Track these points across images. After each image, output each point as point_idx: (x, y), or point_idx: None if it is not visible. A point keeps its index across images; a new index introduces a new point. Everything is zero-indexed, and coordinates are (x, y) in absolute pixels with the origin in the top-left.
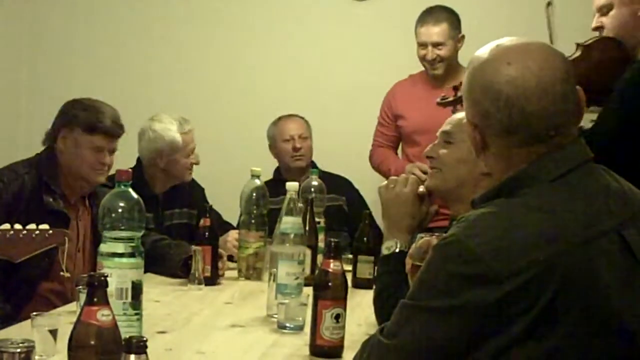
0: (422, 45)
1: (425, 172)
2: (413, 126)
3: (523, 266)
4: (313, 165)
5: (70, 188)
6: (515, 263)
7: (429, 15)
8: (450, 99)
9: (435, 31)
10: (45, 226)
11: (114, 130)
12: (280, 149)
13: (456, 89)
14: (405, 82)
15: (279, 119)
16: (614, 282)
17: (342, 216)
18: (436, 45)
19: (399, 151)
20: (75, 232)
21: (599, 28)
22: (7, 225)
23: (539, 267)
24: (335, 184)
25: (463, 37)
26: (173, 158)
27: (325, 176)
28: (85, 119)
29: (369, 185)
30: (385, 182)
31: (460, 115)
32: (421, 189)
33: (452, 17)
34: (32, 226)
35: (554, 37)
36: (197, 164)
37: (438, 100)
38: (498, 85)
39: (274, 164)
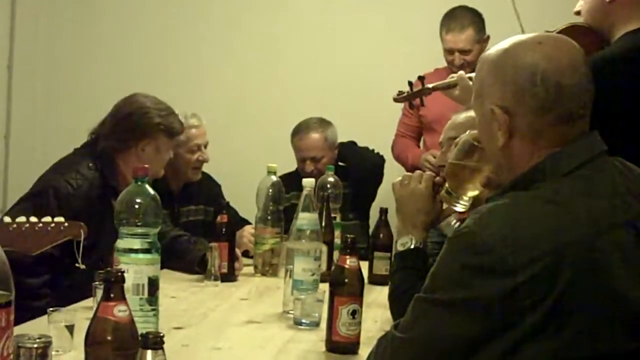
0: (448, 51)
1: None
2: (433, 115)
3: (534, 257)
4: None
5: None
6: (526, 254)
7: (454, 20)
8: (406, 94)
9: (462, 38)
10: (60, 219)
11: (184, 129)
12: (297, 159)
13: (411, 84)
14: (430, 74)
15: (298, 130)
16: (629, 274)
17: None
18: (463, 52)
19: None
20: None
21: (579, 12)
22: (22, 218)
23: (550, 258)
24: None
25: (488, 37)
26: (176, 152)
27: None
28: (168, 126)
29: (387, 180)
30: (399, 178)
31: (462, 118)
32: (437, 178)
33: (476, 20)
34: (48, 219)
35: (524, 28)
36: (205, 161)
37: (395, 96)
38: (533, 61)
39: (291, 160)
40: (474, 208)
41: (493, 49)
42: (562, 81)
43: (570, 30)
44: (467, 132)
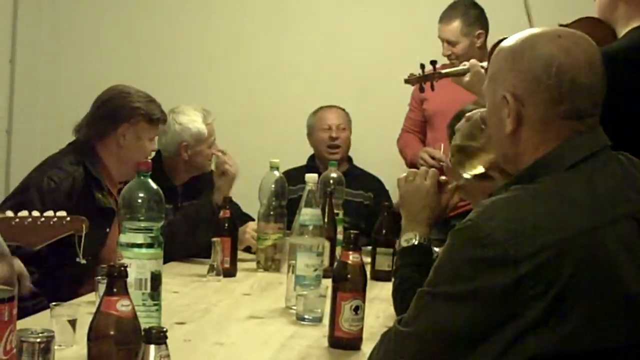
0: (440, 40)
1: (433, 157)
2: (434, 109)
3: (537, 249)
4: (349, 160)
5: (112, 182)
6: (528, 246)
7: (446, 11)
8: (417, 76)
9: (447, 29)
10: (62, 213)
11: (165, 119)
12: (317, 137)
13: (423, 67)
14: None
15: (320, 108)
16: (632, 267)
17: (363, 212)
18: (448, 42)
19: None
20: (117, 226)
21: None
22: (25, 213)
23: (552, 250)
24: (367, 180)
25: (481, 33)
26: (198, 149)
27: (358, 172)
28: (147, 111)
29: (392, 176)
30: (404, 174)
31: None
32: (442, 177)
33: (467, 14)
34: (50, 213)
35: (533, 25)
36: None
37: (405, 78)
38: (551, 53)
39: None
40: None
41: (511, 37)
42: (577, 77)
43: (584, 23)
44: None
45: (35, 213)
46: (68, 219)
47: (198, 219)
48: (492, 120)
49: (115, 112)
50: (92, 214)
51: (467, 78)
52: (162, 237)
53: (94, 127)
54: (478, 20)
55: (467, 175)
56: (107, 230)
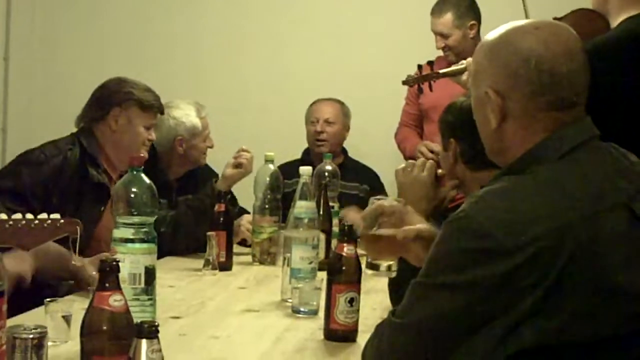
0: (433, 33)
1: (432, 151)
2: (429, 103)
3: (530, 239)
4: (344, 152)
5: (112, 166)
6: (522, 236)
7: (437, 4)
8: (415, 77)
9: (439, 22)
10: (56, 215)
11: (161, 109)
12: (307, 131)
13: (420, 68)
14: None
15: (316, 101)
16: (625, 255)
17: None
18: (441, 35)
19: None
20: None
21: None
22: (18, 215)
23: (546, 240)
24: (362, 173)
25: (474, 24)
26: (193, 143)
27: (353, 165)
28: (141, 97)
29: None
30: (403, 165)
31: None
32: (440, 170)
33: (459, 6)
34: (44, 215)
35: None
36: (211, 147)
37: (403, 79)
38: (529, 46)
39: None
40: (466, 196)
41: (492, 32)
42: (556, 68)
43: (579, 15)
44: (370, 201)
45: (29, 216)
46: (62, 221)
47: (203, 208)
48: (478, 116)
49: (109, 96)
50: (86, 191)
51: (464, 77)
52: (168, 229)
53: (89, 111)
54: (470, 11)
55: (385, 268)
56: (102, 208)
